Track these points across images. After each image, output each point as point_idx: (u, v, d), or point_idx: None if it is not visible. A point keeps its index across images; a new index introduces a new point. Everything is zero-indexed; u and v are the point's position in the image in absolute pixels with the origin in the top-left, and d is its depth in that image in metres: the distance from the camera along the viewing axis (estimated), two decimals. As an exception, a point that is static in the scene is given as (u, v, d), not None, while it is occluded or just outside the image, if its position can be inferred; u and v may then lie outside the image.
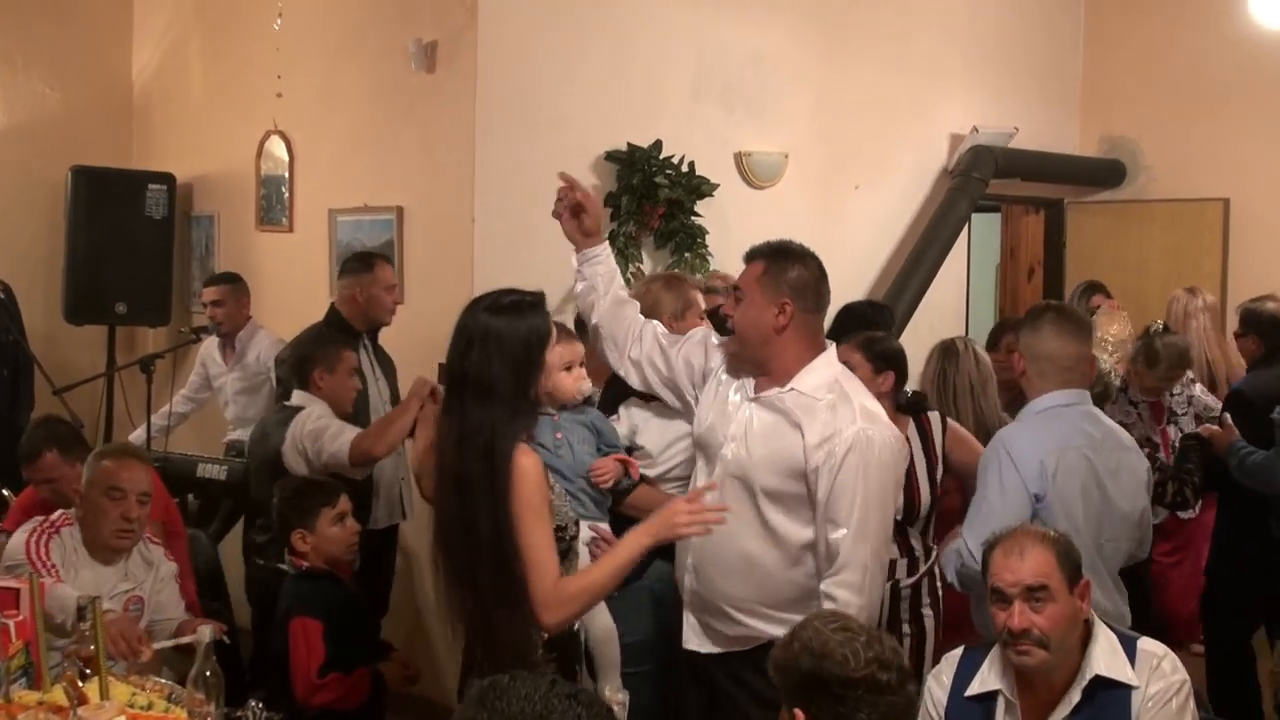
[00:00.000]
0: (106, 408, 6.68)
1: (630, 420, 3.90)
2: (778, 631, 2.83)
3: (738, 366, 3.38)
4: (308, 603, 3.84)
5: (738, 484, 3.26)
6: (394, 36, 5.71)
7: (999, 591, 2.81)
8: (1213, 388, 5.78)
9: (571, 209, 3.61)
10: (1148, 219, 7.76)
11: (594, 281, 3.61)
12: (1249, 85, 7.30)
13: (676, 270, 5.61)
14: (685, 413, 3.56)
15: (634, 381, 3.63)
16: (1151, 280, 7.52)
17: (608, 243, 3.73)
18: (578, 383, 3.43)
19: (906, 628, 3.94)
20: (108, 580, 3.78)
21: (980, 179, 7.02)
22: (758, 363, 3.30)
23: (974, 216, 7.36)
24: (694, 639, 3.40)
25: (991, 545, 2.90)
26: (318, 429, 4.42)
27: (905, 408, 4.10)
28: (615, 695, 3.07)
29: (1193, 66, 7.54)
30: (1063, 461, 3.41)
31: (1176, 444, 5.35)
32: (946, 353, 4.57)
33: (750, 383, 3.33)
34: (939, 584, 4.00)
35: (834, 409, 3.19)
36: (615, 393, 4.01)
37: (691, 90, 6.10)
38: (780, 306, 3.23)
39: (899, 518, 3.85)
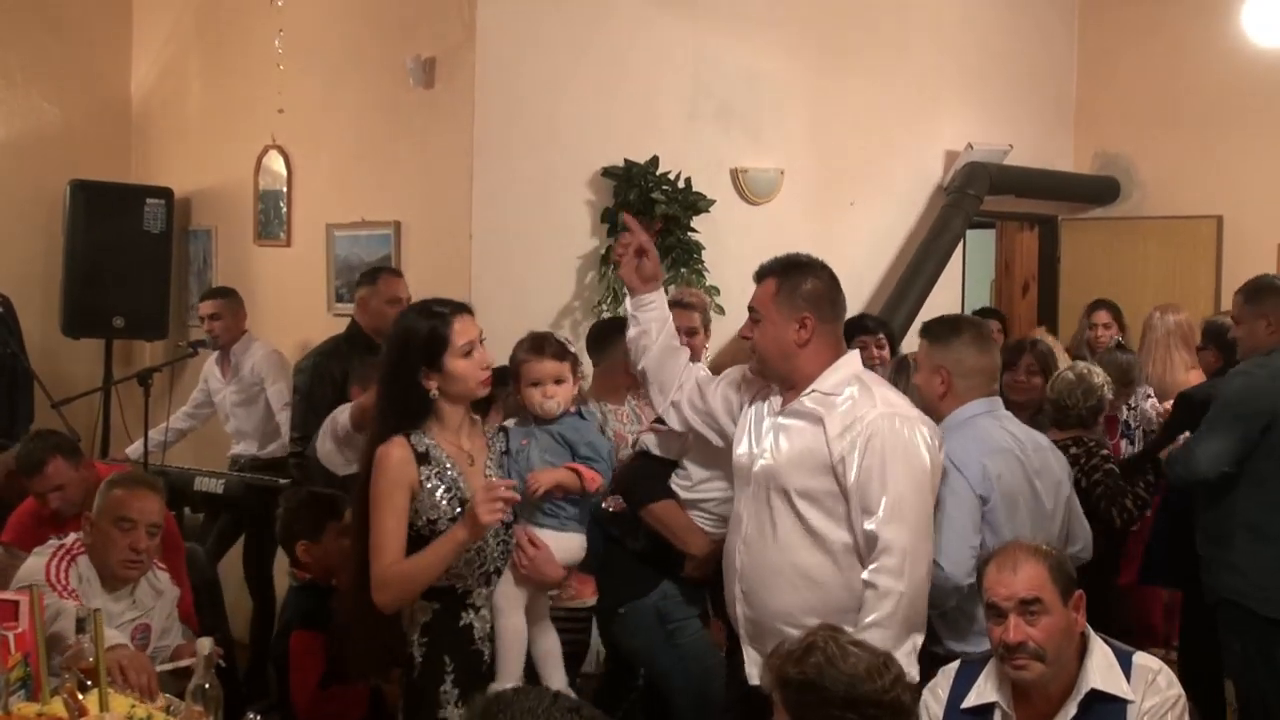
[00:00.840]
0: (103, 421, 6.70)
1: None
2: None
3: (764, 384, 3.40)
4: (309, 616, 3.84)
5: (774, 494, 3.27)
6: (392, 53, 5.74)
7: (994, 606, 2.82)
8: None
9: (635, 251, 3.58)
10: (1141, 235, 7.80)
11: (648, 327, 3.59)
12: (1242, 103, 7.35)
13: (684, 289, 5.59)
14: (729, 451, 3.58)
15: (674, 423, 3.67)
16: (1146, 296, 7.53)
17: (662, 290, 3.69)
18: (545, 400, 3.42)
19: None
20: (117, 609, 3.76)
21: (975, 195, 7.06)
22: (783, 379, 3.31)
23: (969, 232, 7.40)
24: (757, 671, 3.30)
25: (985, 560, 2.92)
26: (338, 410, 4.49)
27: None
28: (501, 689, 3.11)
29: (1186, 84, 7.59)
30: (1003, 464, 3.51)
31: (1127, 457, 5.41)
32: (900, 368, 4.65)
33: (777, 400, 3.34)
34: None
35: (854, 400, 3.20)
36: None
37: (688, 107, 6.14)
38: (800, 321, 3.23)
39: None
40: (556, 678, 3.32)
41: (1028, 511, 3.53)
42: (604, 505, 4.09)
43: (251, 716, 2.83)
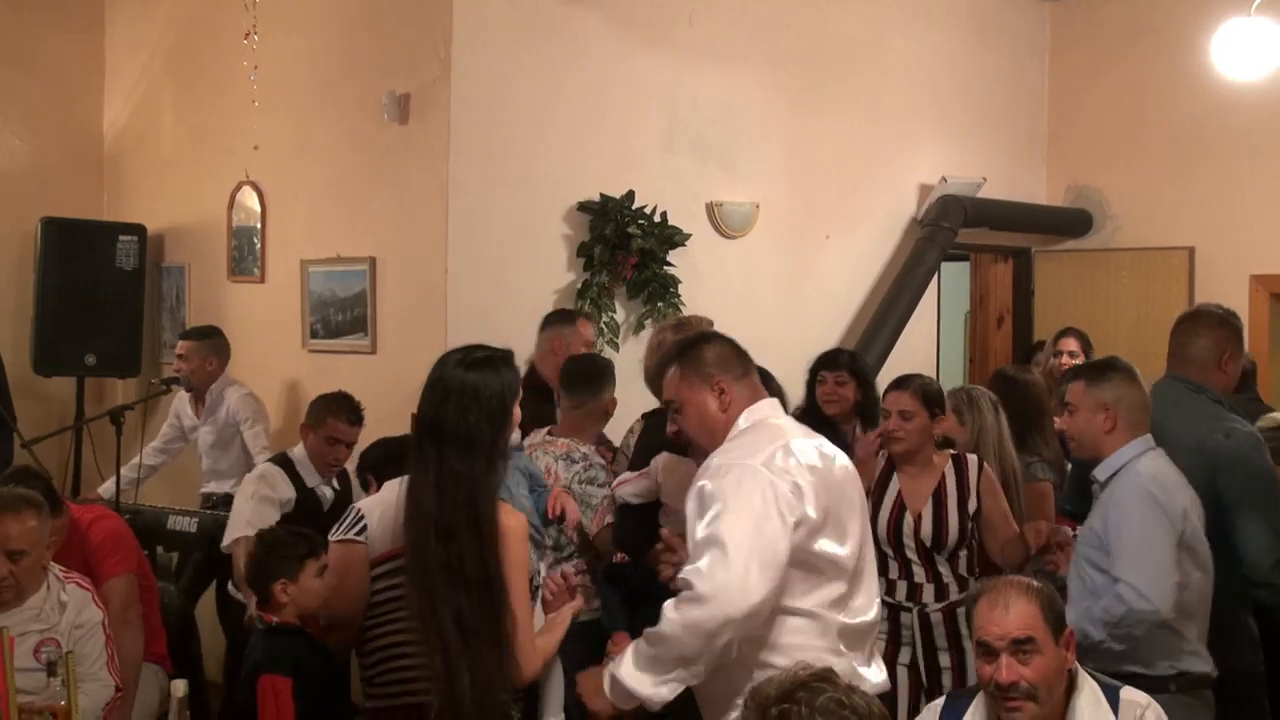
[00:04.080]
0: (74, 459, 6.63)
1: (655, 473, 4.07)
2: None
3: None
4: (277, 660, 3.75)
5: None
6: (367, 88, 5.73)
7: (985, 645, 2.80)
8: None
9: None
10: (1114, 267, 7.85)
11: None
12: (1211, 135, 7.42)
13: (685, 315, 5.57)
14: None
15: None
16: (1120, 327, 7.59)
17: None
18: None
19: (945, 658, 4.08)
20: (16, 620, 3.64)
21: (949, 228, 7.09)
22: (716, 447, 3.19)
23: (943, 265, 7.43)
24: None
25: (975, 597, 2.90)
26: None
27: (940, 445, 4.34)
28: None
29: (1156, 118, 7.66)
30: (1190, 500, 3.59)
31: None
32: (997, 407, 4.74)
33: None
34: None
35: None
36: (651, 442, 4.17)
37: (663, 141, 6.15)
38: (715, 387, 3.18)
39: (928, 543, 4.10)
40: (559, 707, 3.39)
41: (1201, 545, 3.59)
42: (615, 559, 4.18)
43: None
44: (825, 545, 3.02)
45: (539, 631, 3.16)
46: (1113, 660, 3.45)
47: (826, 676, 2.20)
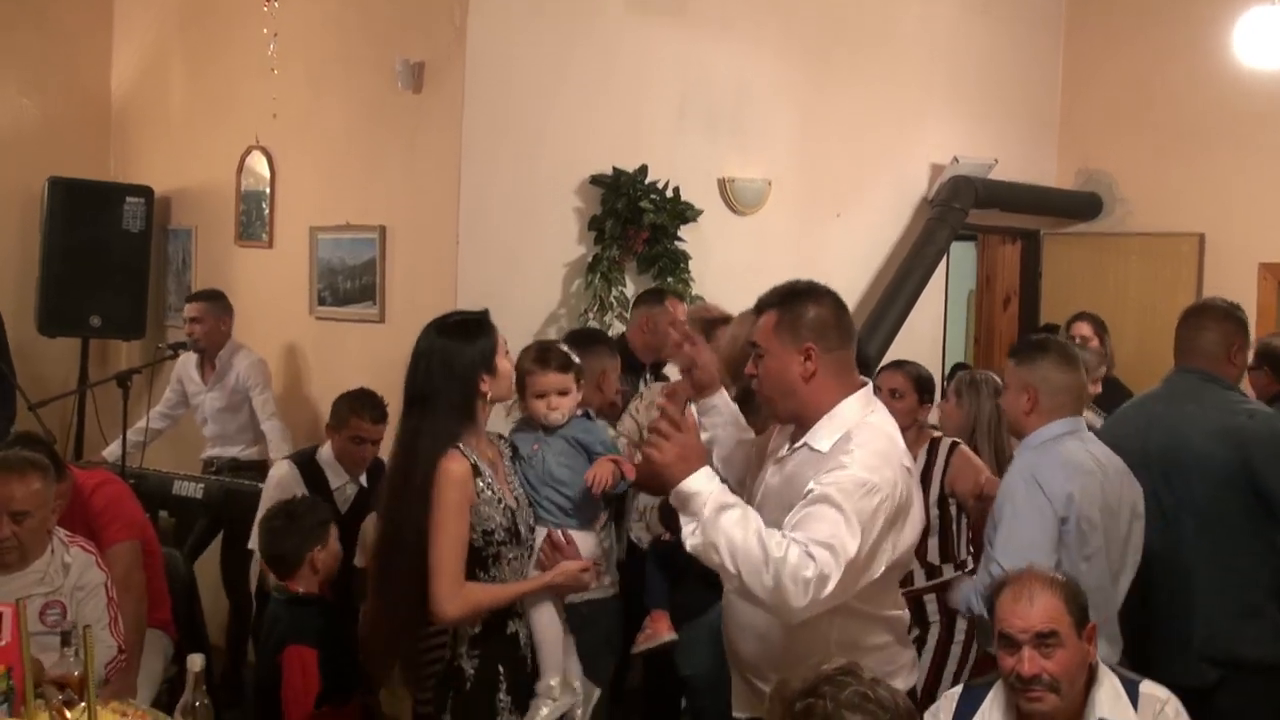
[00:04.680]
0: (78, 422, 6.62)
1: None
2: None
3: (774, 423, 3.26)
4: (303, 630, 3.78)
5: None
6: (381, 55, 5.68)
7: (1008, 637, 2.79)
8: None
9: (685, 369, 3.49)
10: (1123, 252, 7.82)
11: (714, 434, 3.45)
12: (1226, 121, 7.38)
13: (705, 304, 5.49)
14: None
15: None
16: (1127, 312, 7.57)
17: (722, 391, 3.52)
18: (549, 411, 3.48)
19: (914, 630, 4.01)
20: (21, 584, 3.67)
21: (960, 209, 7.06)
22: (790, 417, 3.09)
23: (951, 245, 7.39)
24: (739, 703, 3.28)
25: (998, 588, 2.89)
26: None
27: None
28: (549, 686, 3.27)
29: (1170, 102, 7.62)
30: (1084, 487, 3.52)
31: None
32: (998, 393, 4.60)
33: (784, 442, 3.15)
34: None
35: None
36: None
37: (677, 115, 6.11)
38: (805, 353, 3.00)
39: None
40: (574, 668, 3.41)
41: (1104, 534, 3.54)
42: (661, 537, 4.18)
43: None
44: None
45: (488, 586, 3.21)
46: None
47: (851, 670, 2.18)
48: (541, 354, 3.53)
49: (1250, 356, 4.56)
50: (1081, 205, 7.95)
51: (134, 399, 5.89)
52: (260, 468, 5.87)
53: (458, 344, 3.25)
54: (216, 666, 5.33)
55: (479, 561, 3.21)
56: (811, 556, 2.68)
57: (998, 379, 4.76)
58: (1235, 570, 3.82)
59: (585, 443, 3.50)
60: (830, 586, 2.70)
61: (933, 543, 4.10)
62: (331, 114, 6.04)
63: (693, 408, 3.47)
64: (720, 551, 2.71)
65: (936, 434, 4.33)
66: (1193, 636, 3.79)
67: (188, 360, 6.25)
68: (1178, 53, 7.57)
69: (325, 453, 5.03)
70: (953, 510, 4.21)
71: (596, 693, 3.46)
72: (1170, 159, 7.62)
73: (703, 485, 2.77)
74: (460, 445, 3.19)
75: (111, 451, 5.96)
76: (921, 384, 4.30)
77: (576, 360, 3.59)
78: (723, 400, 3.45)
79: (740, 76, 6.33)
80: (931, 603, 4.03)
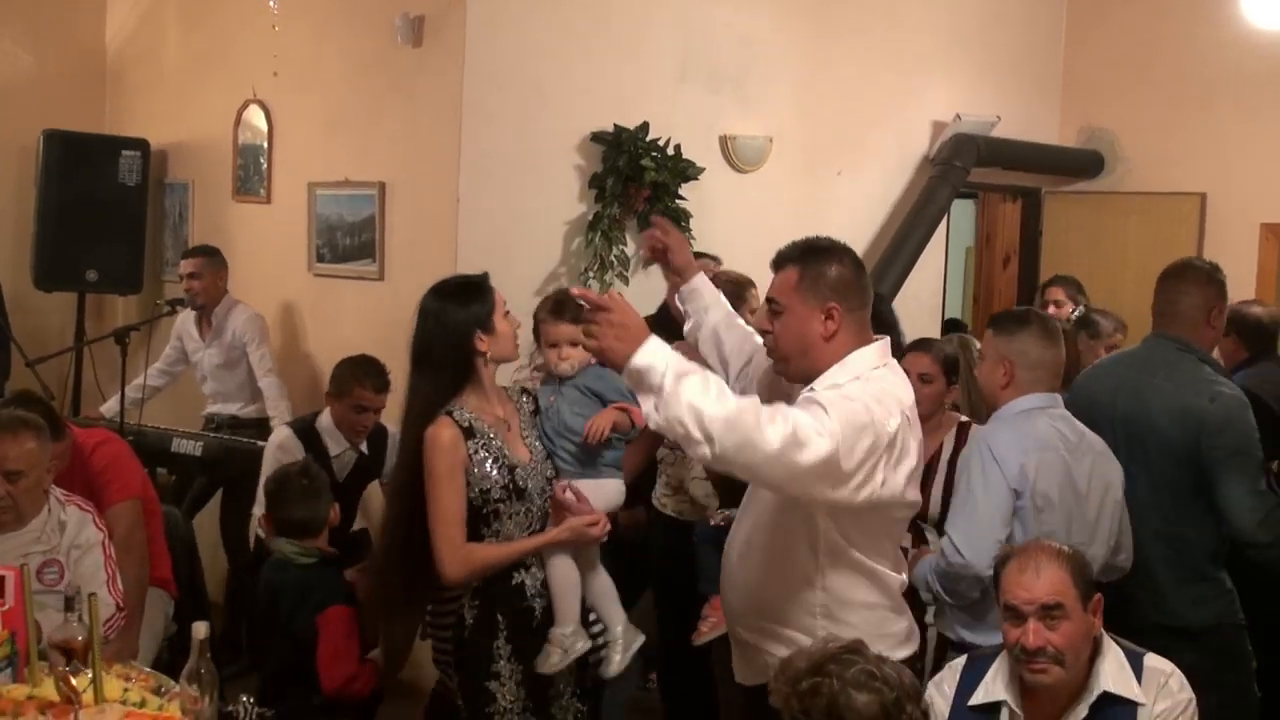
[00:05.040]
0: (75, 378, 6.60)
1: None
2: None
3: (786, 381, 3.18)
4: (339, 590, 3.86)
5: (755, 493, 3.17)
6: (380, 9, 5.61)
7: (1013, 609, 2.78)
8: None
9: (651, 255, 3.50)
10: (1124, 211, 7.79)
11: (698, 318, 3.47)
12: (1230, 81, 7.33)
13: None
14: None
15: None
16: (1127, 272, 7.54)
17: (702, 274, 3.53)
18: (560, 361, 3.50)
19: (930, 614, 3.92)
20: (17, 544, 3.67)
21: (962, 167, 7.02)
22: (804, 376, 3.01)
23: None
24: (739, 667, 3.27)
25: (1004, 559, 2.88)
26: None
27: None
28: (562, 634, 3.32)
29: (1174, 60, 7.56)
30: (1042, 463, 3.47)
31: None
32: (964, 346, 4.54)
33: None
34: None
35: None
36: None
37: (678, 72, 6.05)
38: (826, 312, 2.95)
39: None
40: (616, 615, 3.48)
41: (1064, 513, 3.48)
42: (715, 522, 4.13)
43: (245, 699, 2.77)
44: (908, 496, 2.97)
45: (489, 546, 3.29)
46: (956, 619, 3.54)
47: (856, 649, 2.18)
48: (556, 304, 3.54)
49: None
50: (1083, 163, 7.91)
51: (132, 355, 5.87)
52: (260, 425, 5.86)
53: (453, 305, 3.33)
54: (216, 625, 5.32)
55: (480, 519, 3.30)
56: (785, 415, 2.68)
57: (967, 338, 4.73)
58: (1183, 539, 3.82)
59: (599, 390, 3.51)
60: (809, 450, 2.65)
61: None
62: (330, 68, 5.98)
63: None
64: (686, 422, 2.62)
65: (964, 419, 4.19)
66: (1143, 602, 3.77)
67: (187, 317, 6.22)
68: (1182, 10, 7.51)
69: (325, 420, 5.02)
70: None
71: (640, 639, 3.49)
72: (1173, 118, 7.58)
73: (654, 358, 2.66)
74: (452, 410, 3.27)
75: (110, 408, 5.94)
76: (949, 365, 4.17)
77: None
78: (701, 282, 3.45)
79: (742, 33, 6.27)
80: None
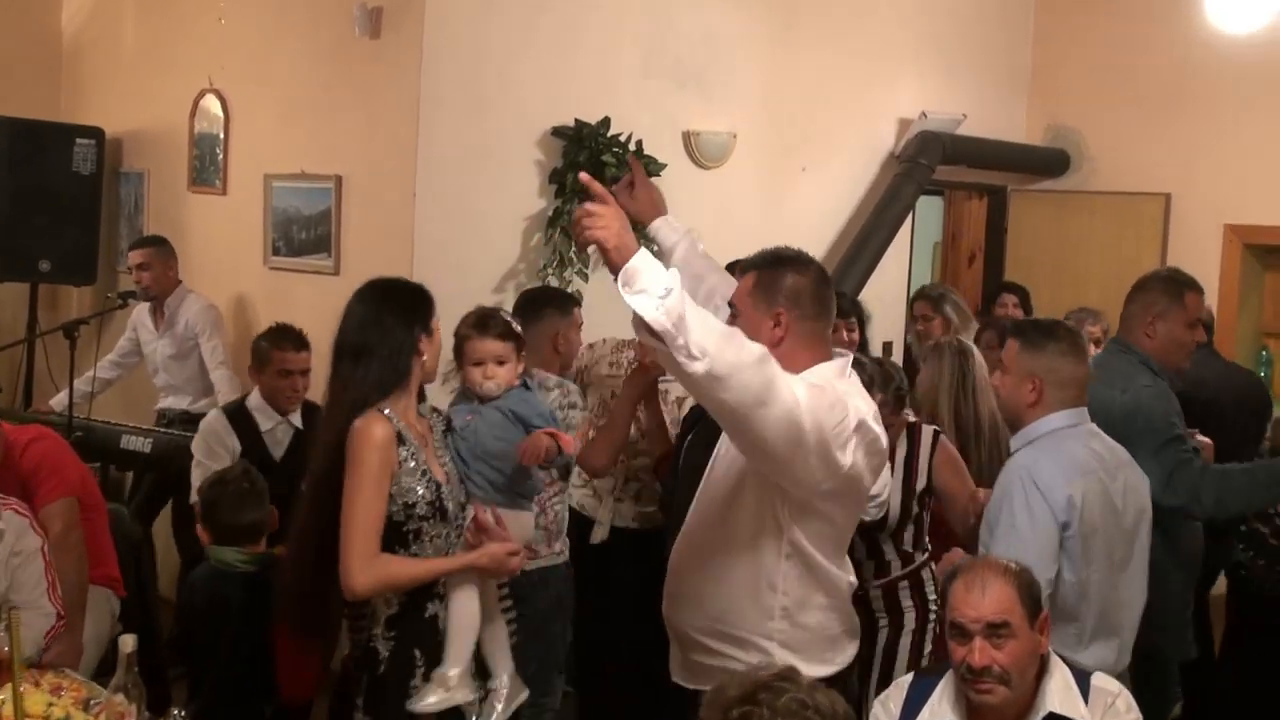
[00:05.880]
0: (27, 370, 6.49)
1: None
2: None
3: None
4: None
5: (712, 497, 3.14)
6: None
7: (959, 627, 2.75)
8: None
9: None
10: (1089, 210, 7.78)
11: (666, 253, 3.66)
12: (1197, 82, 7.32)
13: None
14: None
15: None
16: (1091, 271, 7.55)
17: (662, 219, 3.75)
18: (485, 380, 3.36)
19: (882, 619, 3.94)
20: None
21: (927, 165, 6.99)
22: None
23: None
24: (676, 668, 3.28)
25: (951, 576, 2.84)
26: None
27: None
28: (445, 675, 3.09)
29: (1141, 61, 7.54)
30: (1088, 490, 3.36)
31: None
32: (962, 353, 4.54)
33: None
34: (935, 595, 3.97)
35: None
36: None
37: (640, 67, 5.98)
38: (775, 317, 2.97)
39: (865, 518, 3.84)
40: (504, 664, 3.29)
41: (1106, 536, 3.39)
42: None
43: (176, 712, 2.71)
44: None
45: (405, 559, 3.05)
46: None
47: (789, 676, 2.13)
48: (481, 320, 3.41)
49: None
50: (1049, 162, 7.90)
51: (84, 348, 5.78)
52: (213, 421, 5.77)
53: (398, 298, 3.16)
54: (166, 625, 5.25)
55: (398, 537, 3.03)
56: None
57: (964, 342, 4.67)
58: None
59: (522, 415, 3.38)
60: (779, 390, 2.66)
61: (908, 533, 3.98)
62: (287, 58, 5.89)
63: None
64: (691, 325, 2.57)
65: (913, 419, 4.14)
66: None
67: (143, 308, 6.13)
68: (1151, 12, 7.49)
69: (254, 398, 4.92)
70: (929, 501, 4.08)
71: (523, 695, 3.32)
72: (1139, 118, 7.57)
73: (653, 260, 2.61)
74: (386, 408, 3.03)
75: (59, 401, 5.85)
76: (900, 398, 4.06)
77: (518, 330, 3.49)
78: (660, 227, 3.73)
79: (706, 28, 6.20)
80: (904, 590, 3.95)
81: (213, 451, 4.78)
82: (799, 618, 2.99)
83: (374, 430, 2.97)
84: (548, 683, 4.35)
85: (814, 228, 6.83)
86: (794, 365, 2.91)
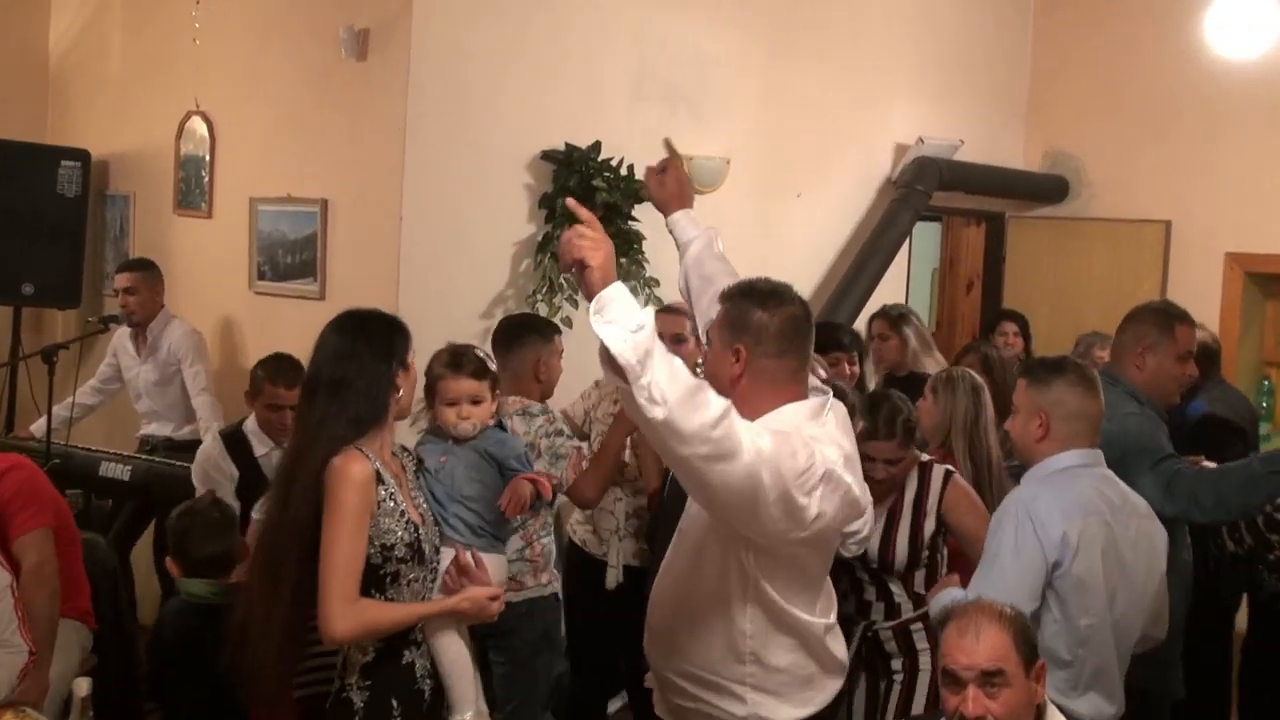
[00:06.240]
0: (10, 394, 6.40)
1: None
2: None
3: None
4: None
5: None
6: (325, 21, 5.44)
7: (952, 674, 2.64)
8: None
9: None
10: (1088, 237, 7.70)
11: (682, 251, 3.62)
12: (1196, 109, 7.25)
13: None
14: None
15: None
16: (1090, 299, 7.47)
17: (683, 211, 3.71)
18: (460, 421, 3.28)
19: (897, 663, 3.83)
20: None
21: (924, 191, 6.91)
22: None
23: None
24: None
25: (944, 620, 2.73)
26: None
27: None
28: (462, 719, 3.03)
29: (1141, 87, 7.48)
30: (1086, 530, 3.25)
31: None
32: (975, 389, 4.42)
33: None
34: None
35: None
36: None
37: (633, 90, 5.90)
38: (735, 353, 2.87)
39: (874, 565, 3.79)
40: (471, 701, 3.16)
41: (1109, 586, 3.27)
42: None
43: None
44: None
45: (384, 604, 2.92)
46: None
47: None
48: (454, 358, 3.33)
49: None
50: (1047, 188, 7.83)
51: (66, 373, 5.68)
52: (194, 448, 5.65)
53: (374, 330, 3.00)
54: (144, 656, 5.14)
55: (375, 581, 2.90)
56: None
57: (974, 376, 4.56)
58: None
59: (498, 456, 3.30)
60: (738, 447, 2.56)
61: (919, 575, 3.84)
62: (273, 80, 5.80)
63: None
64: (656, 362, 2.48)
65: (925, 458, 3.98)
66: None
67: (124, 333, 6.03)
68: (1150, 37, 7.44)
69: (250, 422, 4.84)
70: (941, 543, 3.95)
71: None
72: (1139, 144, 7.51)
73: (627, 293, 2.55)
74: (362, 446, 2.90)
75: (39, 427, 5.74)
76: (909, 433, 3.90)
77: (493, 368, 3.40)
78: (680, 216, 3.67)
79: (699, 51, 6.13)
80: (919, 632, 3.83)
81: (209, 478, 4.70)
82: (768, 660, 2.92)
83: (353, 469, 2.83)
84: (531, 718, 4.26)
85: (809, 254, 6.75)
86: (757, 405, 2.82)
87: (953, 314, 8.19)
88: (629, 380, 2.46)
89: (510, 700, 4.22)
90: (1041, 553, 3.19)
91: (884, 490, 3.75)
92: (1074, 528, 3.22)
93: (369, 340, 2.98)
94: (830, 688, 3.04)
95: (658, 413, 2.47)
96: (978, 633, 2.64)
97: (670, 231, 3.70)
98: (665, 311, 4.86)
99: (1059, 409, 3.35)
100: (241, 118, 6.00)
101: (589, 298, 2.54)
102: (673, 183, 3.72)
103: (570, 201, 2.80)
